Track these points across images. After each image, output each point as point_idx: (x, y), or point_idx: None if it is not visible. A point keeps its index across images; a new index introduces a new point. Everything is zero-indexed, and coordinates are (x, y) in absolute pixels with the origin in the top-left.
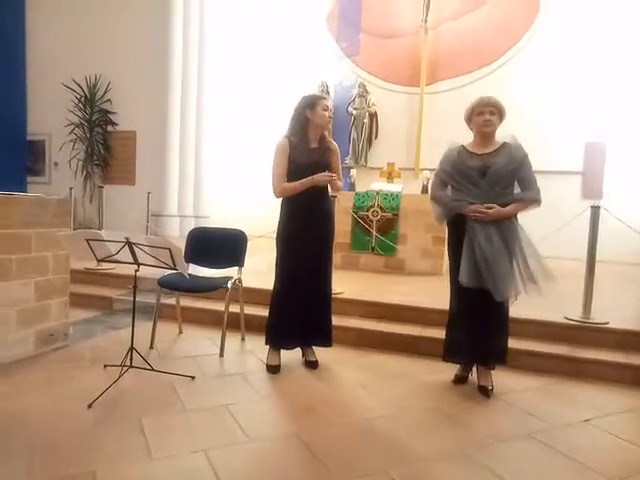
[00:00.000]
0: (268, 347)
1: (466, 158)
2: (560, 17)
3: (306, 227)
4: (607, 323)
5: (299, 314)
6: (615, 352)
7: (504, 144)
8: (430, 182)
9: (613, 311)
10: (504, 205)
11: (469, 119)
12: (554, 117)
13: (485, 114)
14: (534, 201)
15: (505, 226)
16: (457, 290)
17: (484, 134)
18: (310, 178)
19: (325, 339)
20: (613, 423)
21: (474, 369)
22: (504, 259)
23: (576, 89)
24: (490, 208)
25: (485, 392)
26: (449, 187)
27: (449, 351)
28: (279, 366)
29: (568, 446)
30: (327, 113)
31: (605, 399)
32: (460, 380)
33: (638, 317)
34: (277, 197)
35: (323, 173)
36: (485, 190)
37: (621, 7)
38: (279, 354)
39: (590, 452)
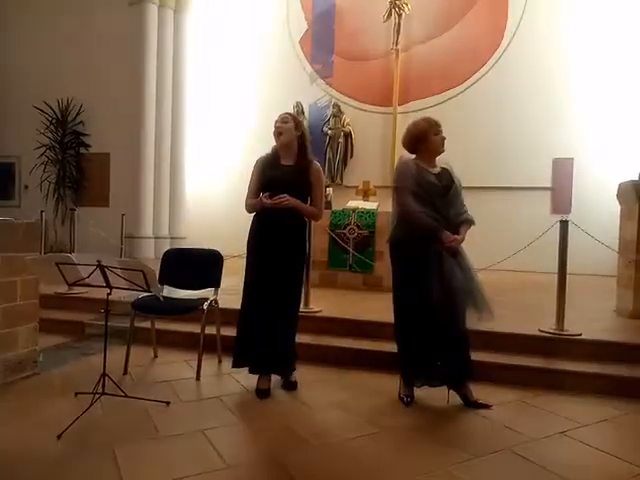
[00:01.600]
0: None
1: (425, 174)
2: (526, 38)
3: (265, 244)
4: (580, 334)
5: (255, 335)
6: (589, 363)
7: (445, 168)
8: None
9: (585, 322)
10: (456, 226)
11: (422, 137)
12: (522, 134)
13: (441, 133)
14: (473, 223)
15: (460, 253)
16: (412, 311)
17: (438, 153)
18: (259, 199)
19: (280, 366)
20: (589, 434)
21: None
22: (466, 287)
23: (543, 106)
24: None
25: (481, 405)
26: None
27: (419, 374)
28: (268, 390)
29: (546, 458)
30: (281, 124)
31: (581, 410)
32: (412, 398)
33: (610, 328)
34: (248, 212)
35: (265, 194)
36: (446, 209)
37: (585, 26)
38: (269, 378)
39: (568, 464)
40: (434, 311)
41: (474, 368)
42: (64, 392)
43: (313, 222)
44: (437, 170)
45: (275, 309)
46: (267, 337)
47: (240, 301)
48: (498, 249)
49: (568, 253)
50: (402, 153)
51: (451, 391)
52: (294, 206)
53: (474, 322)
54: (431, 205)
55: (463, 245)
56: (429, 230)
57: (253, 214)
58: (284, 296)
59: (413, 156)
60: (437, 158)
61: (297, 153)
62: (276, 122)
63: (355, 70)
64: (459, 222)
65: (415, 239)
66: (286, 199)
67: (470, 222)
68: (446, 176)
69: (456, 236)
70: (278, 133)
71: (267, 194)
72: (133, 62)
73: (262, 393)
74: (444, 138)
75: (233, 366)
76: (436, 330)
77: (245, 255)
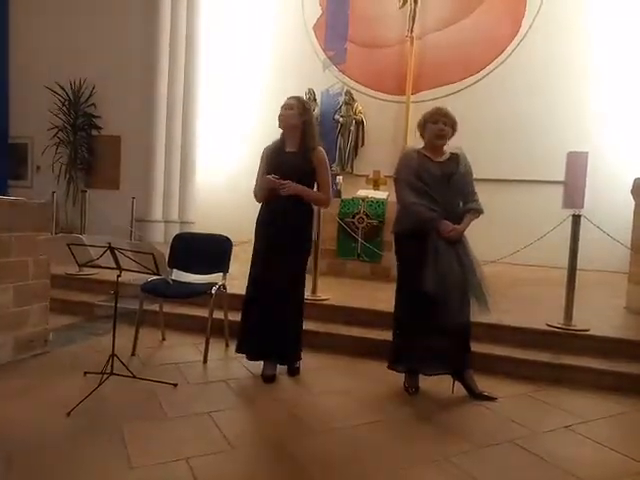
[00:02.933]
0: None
1: (427, 164)
2: (545, 28)
3: (268, 230)
4: (588, 330)
5: (259, 320)
6: (596, 359)
7: (454, 154)
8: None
9: (594, 318)
10: (460, 216)
11: (423, 125)
12: (537, 127)
13: (439, 123)
14: (481, 212)
15: (463, 244)
16: (414, 300)
17: (432, 144)
18: (264, 177)
19: (283, 351)
20: (594, 429)
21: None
22: (464, 281)
23: (558, 99)
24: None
25: (486, 398)
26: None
27: (411, 359)
28: (274, 376)
29: (549, 452)
30: (283, 112)
31: (586, 405)
32: (417, 389)
33: (619, 324)
34: (257, 201)
35: (267, 176)
36: (449, 198)
37: (604, 18)
38: (275, 364)
39: (571, 458)
40: (431, 300)
41: (471, 358)
42: (73, 371)
43: (322, 210)
44: (443, 158)
45: (278, 297)
46: (271, 324)
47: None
48: (509, 242)
49: (579, 248)
50: (419, 143)
51: (456, 382)
52: (298, 192)
53: (474, 314)
54: (430, 195)
55: (471, 236)
56: (425, 221)
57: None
58: (288, 282)
59: (419, 145)
60: (447, 144)
61: (300, 139)
62: (285, 107)
63: (369, 57)
64: (465, 211)
65: (414, 230)
66: (287, 185)
67: (476, 211)
68: (452, 164)
69: (455, 226)
70: (279, 120)
71: (274, 176)
72: (146, 45)
73: (268, 378)
74: (441, 129)
75: (237, 351)
76: (434, 319)
77: (253, 242)
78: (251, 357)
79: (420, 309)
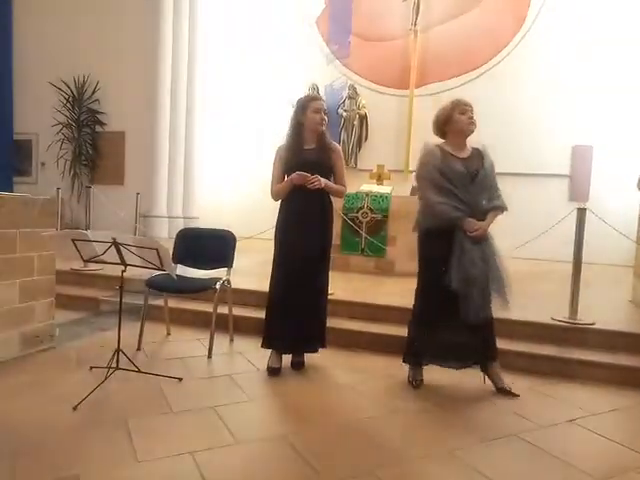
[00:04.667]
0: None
1: (450, 160)
2: (548, 21)
3: (298, 230)
4: (593, 324)
5: (290, 318)
6: (601, 352)
7: (477, 150)
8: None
9: (599, 312)
10: (484, 212)
11: (448, 119)
12: (542, 120)
13: (468, 112)
14: (505, 209)
15: (487, 241)
16: (436, 296)
17: (465, 134)
18: (289, 179)
19: (313, 345)
20: (599, 423)
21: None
22: (487, 278)
23: (563, 92)
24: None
25: (508, 393)
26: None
27: (428, 354)
28: (279, 369)
29: (555, 446)
30: (318, 116)
31: (591, 399)
32: (421, 381)
33: (624, 318)
34: (274, 200)
35: (297, 172)
36: (474, 196)
37: (608, 11)
38: (280, 357)
39: (576, 451)
40: (454, 297)
41: (496, 351)
42: (79, 366)
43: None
44: (466, 154)
45: (309, 292)
46: (303, 319)
47: (254, 283)
48: (513, 236)
49: (585, 242)
50: (423, 137)
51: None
52: (325, 186)
53: (496, 308)
54: (455, 194)
55: (510, 225)
56: (450, 220)
57: (278, 203)
58: (317, 278)
59: (440, 142)
60: (468, 140)
61: (318, 136)
62: (318, 111)
63: (372, 51)
64: (488, 208)
65: (438, 228)
66: (318, 179)
67: (499, 208)
68: (476, 160)
69: (481, 223)
70: (321, 124)
71: (300, 173)
72: (149, 41)
73: (273, 371)
74: (471, 117)
75: (264, 346)
76: (456, 315)
77: (274, 239)
78: (282, 351)
79: (442, 305)
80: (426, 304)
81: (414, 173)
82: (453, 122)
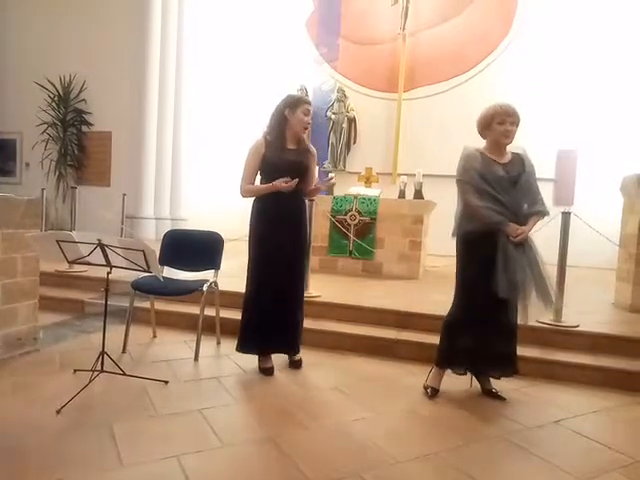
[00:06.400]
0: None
1: (491, 165)
2: (535, 27)
3: (275, 227)
4: (577, 326)
5: (267, 318)
6: (585, 354)
7: (517, 154)
8: (416, 186)
9: (583, 315)
10: (526, 217)
11: (487, 125)
12: (527, 124)
13: (506, 124)
14: (547, 214)
15: (529, 245)
16: (472, 300)
17: (502, 145)
18: (271, 184)
19: (292, 345)
20: (582, 424)
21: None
22: (532, 281)
23: (549, 97)
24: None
25: (496, 396)
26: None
27: (452, 361)
28: (272, 368)
29: (539, 447)
30: (307, 119)
31: (575, 400)
32: (436, 392)
33: (607, 320)
34: (243, 197)
35: (282, 179)
36: (516, 200)
37: (593, 18)
38: (270, 356)
39: (561, 452)
40: (495, 303)
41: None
42: (63, 369)
43: (314, 207)
44: (507, 159)
45: (285, 291)
46: (280, 320)
47: (241, 285)
48: None
49: (569, 245)
50: (411, 140)
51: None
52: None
53: (538, 313)
54: (497, 199)
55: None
56: (492, 224)
57: (253, 198)
58: (293, 278)
59: (481, 145)
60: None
61: (299, 137)
62: (307, 114)
63: (361, 54)
64: (530, 213)
65: (479, 233)
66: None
67: (541, 213)
68: (517, 165)
69: (523, 228)
70: (305, 127)
71: (286, 179)
72: (136, 40)
73: (268, 371)
74: (508, 130)
75: (241, 350)
76: (497, 321)
77: (248, 239)
78: (261, 352)
79: (481, 309)
80: (466, 304)
81: (455, 178)
82: (491, 130)
